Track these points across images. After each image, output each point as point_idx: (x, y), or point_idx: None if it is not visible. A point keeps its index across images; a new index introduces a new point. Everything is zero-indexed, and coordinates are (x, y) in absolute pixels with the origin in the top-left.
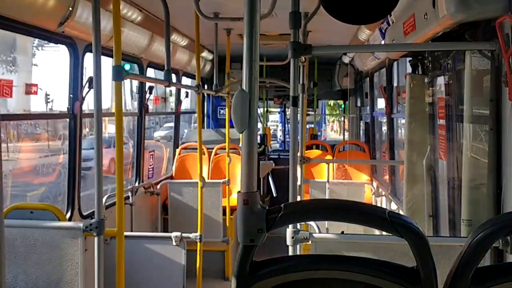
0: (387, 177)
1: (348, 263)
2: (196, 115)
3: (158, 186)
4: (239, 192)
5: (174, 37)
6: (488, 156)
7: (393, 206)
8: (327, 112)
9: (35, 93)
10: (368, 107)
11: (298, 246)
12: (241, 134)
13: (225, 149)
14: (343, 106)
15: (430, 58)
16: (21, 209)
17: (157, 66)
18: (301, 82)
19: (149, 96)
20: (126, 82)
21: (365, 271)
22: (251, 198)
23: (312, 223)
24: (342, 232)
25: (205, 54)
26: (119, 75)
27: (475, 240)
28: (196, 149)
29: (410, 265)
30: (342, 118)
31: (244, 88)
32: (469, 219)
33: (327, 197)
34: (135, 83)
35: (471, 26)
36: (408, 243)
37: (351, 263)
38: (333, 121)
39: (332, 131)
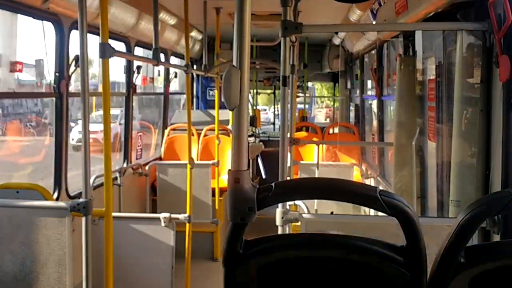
0: (376, 159)
1: (338, 241)
2: (185, 96)
3: (147, 167)
4: (229, 170)
5: (163, 15)
6: (478, 137)
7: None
8: (322, 93)
9: (20, 71)
10: (358, 89)
11: (287, 226)
12: (231, 112)
13: (214, 130)
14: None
15: (421, 39)
16: (6, 188)
17: (145, 45)
18: (291, 62)
19: (137, 76)
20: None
21: (355, 249)
22: (242, 176)
23: (301, 203)
24: (332, 213)
25: (194, 34)
26: (106, 52)
27: (464, 219)
28: (185, 130)
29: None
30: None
31: (235, 65)
32: (458, 200)
33: None
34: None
35: (463, 6)
36: (398, 221)
37: (341, 242)
38: (327, 106)
39: (328, 118)
